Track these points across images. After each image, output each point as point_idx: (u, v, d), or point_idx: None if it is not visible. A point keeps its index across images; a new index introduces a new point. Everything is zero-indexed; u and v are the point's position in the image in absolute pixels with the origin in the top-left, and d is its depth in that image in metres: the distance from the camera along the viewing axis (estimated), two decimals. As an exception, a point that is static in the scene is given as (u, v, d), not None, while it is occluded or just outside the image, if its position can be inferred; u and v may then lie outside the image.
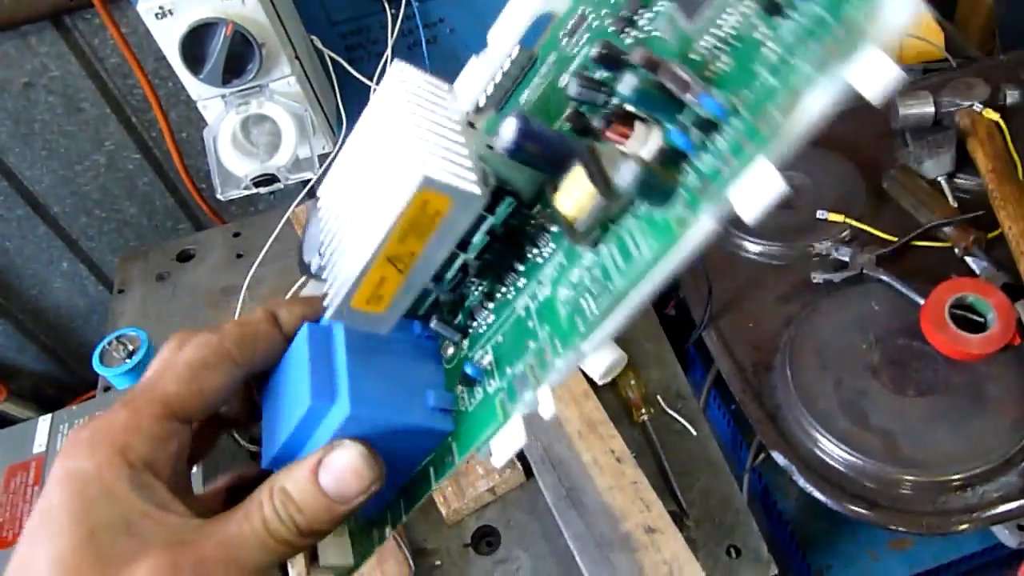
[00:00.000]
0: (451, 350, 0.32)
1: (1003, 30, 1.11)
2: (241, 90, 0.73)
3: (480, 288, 0.31)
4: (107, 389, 0.86)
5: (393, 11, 0.81)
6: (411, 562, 0.69)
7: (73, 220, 1.28)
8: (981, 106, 0.85)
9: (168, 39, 0.68)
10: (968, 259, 0.76)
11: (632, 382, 0.78)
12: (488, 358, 0.30)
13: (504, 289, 0.30)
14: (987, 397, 0.68)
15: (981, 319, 0.71)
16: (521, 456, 0.74)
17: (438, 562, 0.71)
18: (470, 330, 0.31)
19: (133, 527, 0.25)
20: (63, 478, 0.26)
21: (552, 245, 0.29)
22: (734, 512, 0.70)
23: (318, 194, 0.32)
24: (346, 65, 0.81)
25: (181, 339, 0.31)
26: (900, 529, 0.65)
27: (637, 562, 0.65)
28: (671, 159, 0.23)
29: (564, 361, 0.26)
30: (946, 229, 0.79)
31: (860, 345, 0.73)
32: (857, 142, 0.92)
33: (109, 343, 0.79)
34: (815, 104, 0.20)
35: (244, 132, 0.76)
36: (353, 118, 0.82)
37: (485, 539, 0.72)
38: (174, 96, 1.16)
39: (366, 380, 0.29)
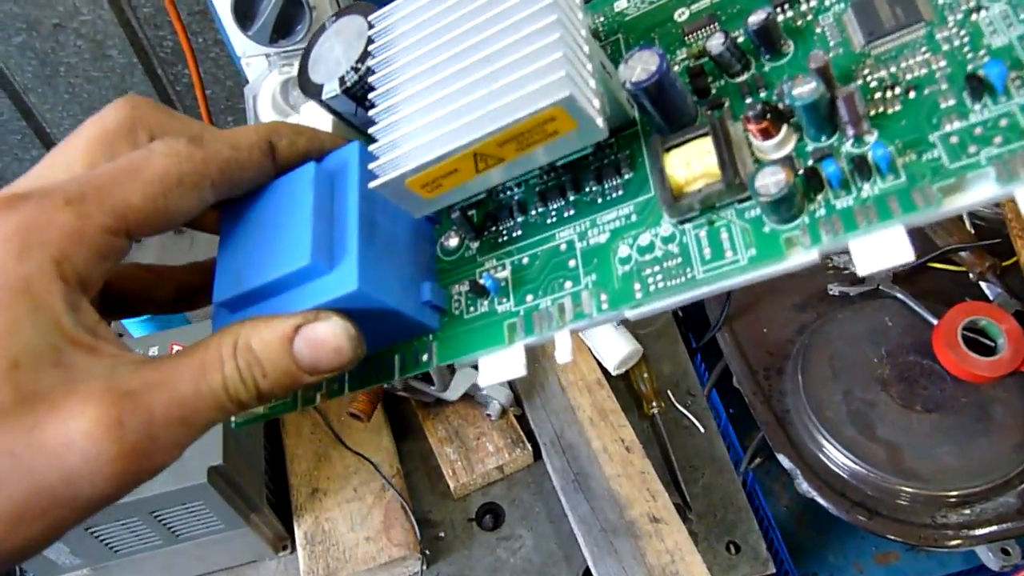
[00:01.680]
0: (454, 241, 0.30)
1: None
2: (286, 51, 0.74)
3: (515, 196, 0.30)
4: (120, 335, 0.86)
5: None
6: (417, 531, 0.70)
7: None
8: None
9: (221, -7, 0.68)
10: (982, 284, 0.78)
11: (644, 375, 0.80)
12: (504, 273, 0.28)
13: (543, 210, 0.29)
14: (992, 419, 0.70)
15: (992, 343, 0.72)
16: (531, 438, 0.75)
17: (442, 534, 0.72)
18: (486, 232, 0.30)
19: (64, 357, 0.22)
20: None
21: (621, 191, 0.27)
22: (736, 509, 0.72)
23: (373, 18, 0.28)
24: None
25: (152, 127, 0.26)
26: (897, 539, 0.66)
27: (640, 549, 0.66)
28: (811, 183, 0.23)
29: (603, 316, 0.26)
30: (962, 254, 0.80)
31: (871, 358, 0.74)
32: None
33: (129, 290, 0.79)
34: (976, 198, 0.21)
35: (284, 92, 0.77)
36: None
37: (489, 515, 0.74)
38: (203, 52, 1.16)
39: (372, 254, 0.26)
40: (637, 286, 0.25)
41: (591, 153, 0.28)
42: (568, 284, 0.27)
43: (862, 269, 0.22)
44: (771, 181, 0.22)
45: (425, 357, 0.28)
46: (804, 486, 0.70)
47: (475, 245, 0.30)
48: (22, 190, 0.23)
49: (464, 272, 0.29)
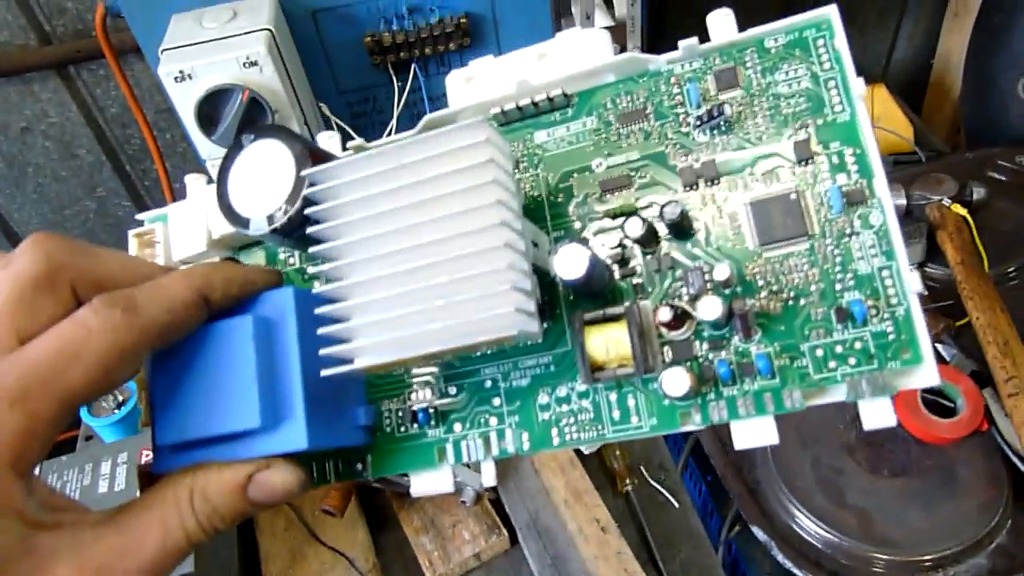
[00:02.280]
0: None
1: (968, 127, 1.18)
2: (250, 152, 0.75)
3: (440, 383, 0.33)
4: (89, 438, 0.85)
5: (400, 83, 0.84)
6: (395, 627, 0.69)
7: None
8: (950, 201, 0.90)
9: (185, 102, 0.70)
10: (938, 346, 0.80)
11: (617, 452, 0.80)
12: (429, 395, 0.31)
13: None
14: (957, 480, 0.71)
15: (951, 404, 0.74)
16: (507, 522, 0.75)
17: (421, 627, 0.71)
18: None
19: (31, 545, 0.23)
20: None
21: (540, 339, 0.29)
22: (714, 585, 0.72)
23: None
24: (351, 132, 0.84)
25: (73, 277, 0.25)
26: (875, 608, 0.67)
27: (620, 633, 0.65)
28: (707, 377, 0.28)
29: (525, 455, 0.30)
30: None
31: (837, 424, 0.76)
32: (834, 227, 0.96)
33: (98, 393, 0.79)
34: (831, 400, 0.28)
35: (249, 192, 0.78)
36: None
37: (468, 605, 0.73)
38: (170, 147, 1.18)
39: (315, 407, 0.28)
40: (554, 432, 0.30)
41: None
42: (493, 421, 0.30)
43: (737, 443, 0.28)
44: (676, 384, 0.27)
45: (360, 467, 0.31)
46: (780, 557, 0.71)
47: (401, 370, 0.32)
48: None
49: (393, 390, 0.32)
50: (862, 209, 0.28)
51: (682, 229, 0.29)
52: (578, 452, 0.80)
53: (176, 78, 0.70)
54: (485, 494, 0.77)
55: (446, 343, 0.26)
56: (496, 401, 0.31)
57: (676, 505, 0.78)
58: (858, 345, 0.27)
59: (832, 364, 0.27)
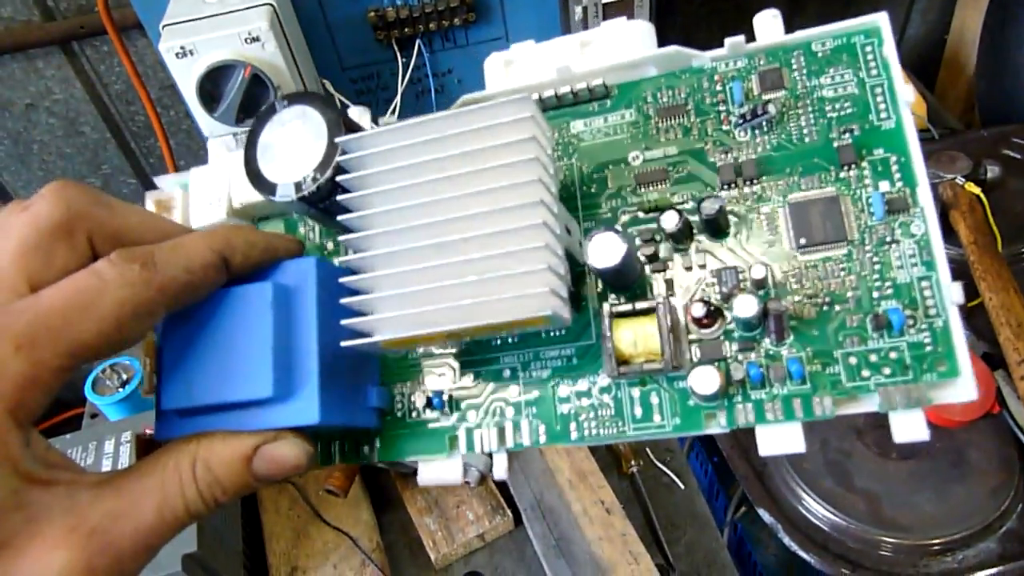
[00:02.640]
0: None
1: (982, 105, 1.16)
2: (253, 129, 0.75)
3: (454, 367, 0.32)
4: (94, 416, 0.85)
5: (404, 59, 0.83)
6: (399, 606, 0.69)
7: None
8: (963, 179, 0.88)
9: (186, 78, 0.69)
10: (950, 327, 0.79)
11: (622, 433, 0.80)
12: (447, 382, 0.31)
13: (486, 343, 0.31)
14: (968, 463, 0.70)
15: (962, 387, 0.73)
16: (511, 503, 0.75)
17: (425, 607, 0.71)
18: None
19: (24, 500, 0.22)
20: None
21: (564, 330, 0.30)
22: (719, 567, 0.71)
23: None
24: (355, 109, 0.83)
25: (92, 228, 0.25)
26: (881, 591, 0.66)
27: (624, 615, 0.65)
28: (734, 378, 0.27)
29: (541, 446, 0.28)
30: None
31: (846, 407, 0.75)
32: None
33: (103, 371, 0.79)
34: (862, 409, 0.27)
35: (252, 170, 0.77)
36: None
37: (473, 585, 0.73)
38: (174, 125, 1.17)
39: (329, 382, 0.27)
40: (573, 427, 0.28)
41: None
42: (510, 411, 0.29)
43: (763, 451, 0.27)
44: (706, 382, 0.26)
45: (367, 450, 0.30)
46: (786, 539, 0.70)
47: (419, 351, 0.31)
48: None
49: (408, 374, 0.31)
50: (903, 217, 0.27)
51: (717, 226, 0.29)
52: (583, 433, 0.80)
53: (177, 54, 0.69)
54: (489, 475, 0.76)
55: (474, 321, 0.25)
56: (514, 391, 0.29)
57: (682, 487, 0.77)
58: (893, 355, 0.26)
59: (865, 373, 0.26)
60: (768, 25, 0.30)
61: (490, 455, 0.29)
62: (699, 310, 0.27)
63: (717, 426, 0.27)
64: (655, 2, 0.81)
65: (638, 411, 0.28)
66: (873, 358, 0.26)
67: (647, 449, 0.80)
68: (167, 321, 0.27)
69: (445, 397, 0.30)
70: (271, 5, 0.70)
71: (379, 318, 0.26)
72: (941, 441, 0.71)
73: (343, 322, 0.26)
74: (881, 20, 0.29)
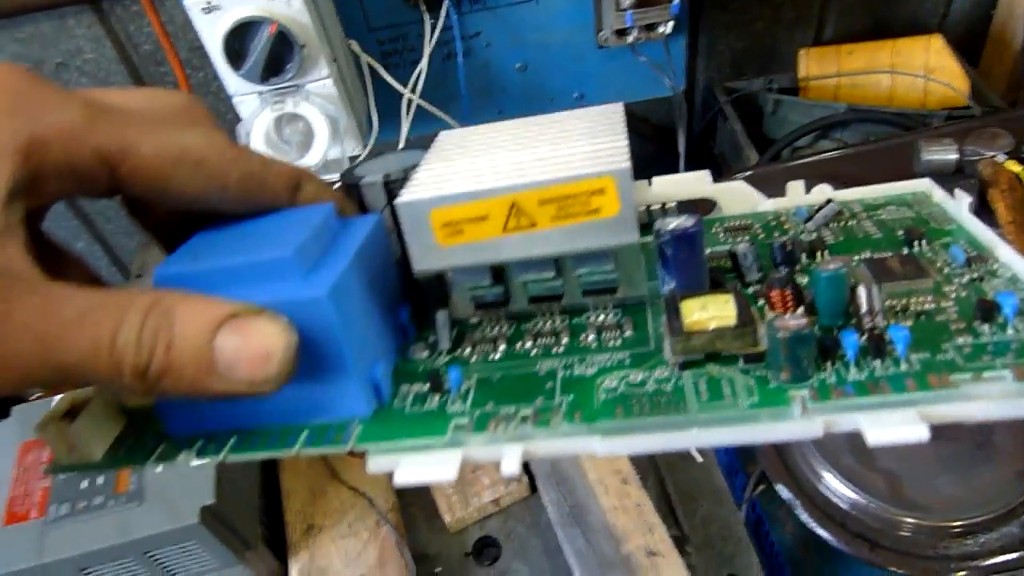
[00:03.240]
0: (423, 353, 0.27)
1: (1028, 82, 1.12)
2: (278, 88, 0.74)
3: (501, 328, 0.28)
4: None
5: (432, 20, 0.82)
6: (412, 567, 0.69)
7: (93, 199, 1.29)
8: (1004, 157, 0.86)
9: (212, 34, 0.69)
10: (982, 308, 0.77)
11: (641, 404, 0.79)
12: (468, 385, 0.26)
13: (530, 345, 0.27)
14: (993, 445, 0.68)
15: (992, 368, 0.71)
16: (527, 469, 0.75)
17: (438, 569, 0.72)
18: (459, 350, 0.27)
19: None
20: None
21: (619, 343, 0.26)
22: (735, 541, 0.71)
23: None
24: (381, 71, 0.82)
25: (188, 105, 0.25)
26: (899, 572, 0.65)
27: (637, 584, 0.65)
28: (824, 350, 0.23)
29: (569, 436, 0.22)
30: (962, 276, 0.79)
31: (870, 385, 0.73)
32: (877, 184, 0.93)
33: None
34: (981, 393, 0.21)
35: (277, 130, 0.77)
36: (384, 123, 0.83)
37: (486, 549, 0.73)
38: (203, 87, 1.17)
39: (351, 286, 0.24)
40: (619, 409, 0.23)
41: (593, 312, 0.27)
42: (539, 400, 0.24)
43: (869, 440, 0.21)
44: (792, 323, 0.22)
45: (339, 437, 0.24)
46: (804, 516, 0.69)
47: (442, 360, 0.27)
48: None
49: (420, 378, 0.27)
50: (986, 267, 0.25)
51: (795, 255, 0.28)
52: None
53: (204, 9, 0.69)
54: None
55: (545, 175, 0.23)
56: (548, 385, 0.25)
57: (699, 459, 0.76)
58: (1014, 343, 0.22)
59: (986, 358, 0.22)
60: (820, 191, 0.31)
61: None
62: (781, 276, 0.24)
63: (806, 411, 0.22)
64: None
65: (705, 394, 0.23)
66: (990, 348, 0.22)
67: (666, 421, 0.80)
68: (205, 226, 0.26)
69: (463, 386, 0.25)
70: (298, -39, 0.69)
71: (439, 183, 0.25)
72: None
73: (396, 201, 0.25)
74: (926, 185, 0.31)
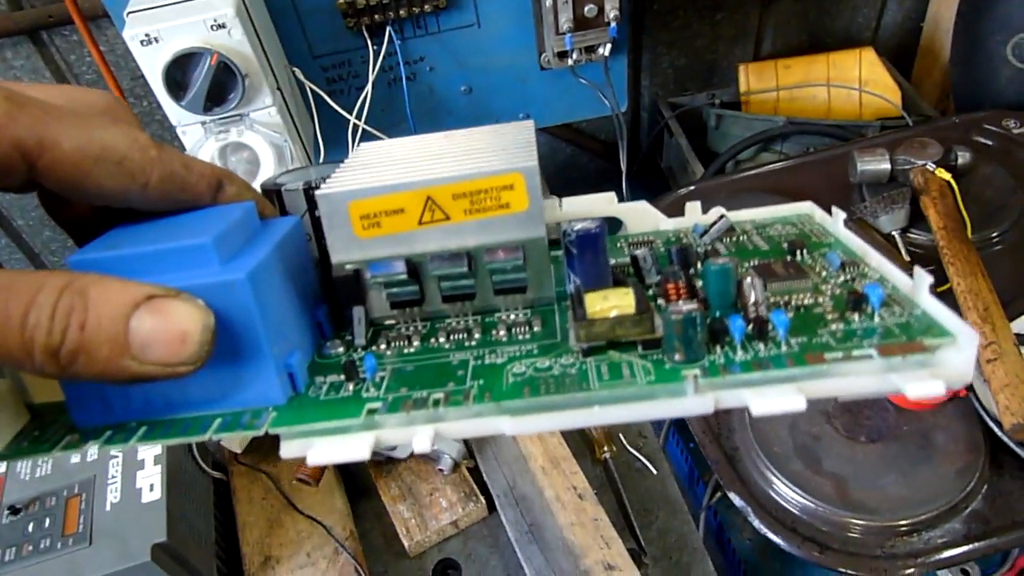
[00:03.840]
0: (339, 349, 0.28)
1: (956, 92, 1.17)
2: (222, 118, 0.74)
3: (415, 327, 0.29)
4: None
5: (375, 47, 0.83)
6: (371, 594, 0.69)
7: (37, 234, 1.26)
8: (934, 165, 0.89)
9: (152, 66, 0.69)
10: (919, 312, 0.80)
11: (596, 419, 0.80)
12: (382, 375, 0.26)
13: (443, 341, 0.28)
14: (934, 446, 0.71)
15: (930, 370, 0.74)
16: (484, 490, 0.75)
17: (399, 594, 0.72)
18: (374, 348, 0.28)
19: None
20: None
21: (528, 336, 0.27)
22: (691, 551, 0.72)
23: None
24: (326, 97, 0.82)
25: (111, 104, 0.25)
26: (849, 572, 0.67)
27: (596, 599, 0.66)
28: (714, 335, 0.25)
29: (479, 416, 0.23)
30: (899, 282, 0.82)
31: (816, 391, 0.75)
32: (817, 194, 0.95)
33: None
34: (851, 371, 0.23)
35: (222, 158, 0.77)
36: (330, 148, 0.83)
37: (447, 571, 0.73)
38: (148, 115, 1.16)
39: (270, 276, 0.24)
40: (527, 390, 0.24)
41: (504, 314, 0.29)
42: (450, 384, 0.25)
43: (754, 410, 0.22)
44: (684, 307, 0.24)
45: (251, 421, 0.24)
46: (757, 523, 0.71)
47: (357, 355, 0.27)
48: None
49: (334, 370, 0.27)
50: (859, 270, 0.28)
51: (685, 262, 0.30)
52: (557, 420, 0.80)
53: (142, 41, 0.68)
54: (463, 462, 0.77)
55: (457, 171, 0.25)
56: (460, 373, 0.26)
57: (654, 472, 0.78)
58: (879, 326, 0.24)
59: (855, 341, 0.24)
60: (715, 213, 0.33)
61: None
62: (674, 272, 0.26)
63: (696, 389, 0.23)
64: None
65: (606, 374, 0.24)
66: (859, 331, 0.24)
67: (620, 435, 0.80)
68: (122, 222, 0.26)
69: (377, 375, 0.25)
70: (237, -8, 0.69)
71: (356, 177, 0.26)
72: (908, 424, 0.72)
73: (316, 193, 0.26)
74: (808, 207, 0.33)
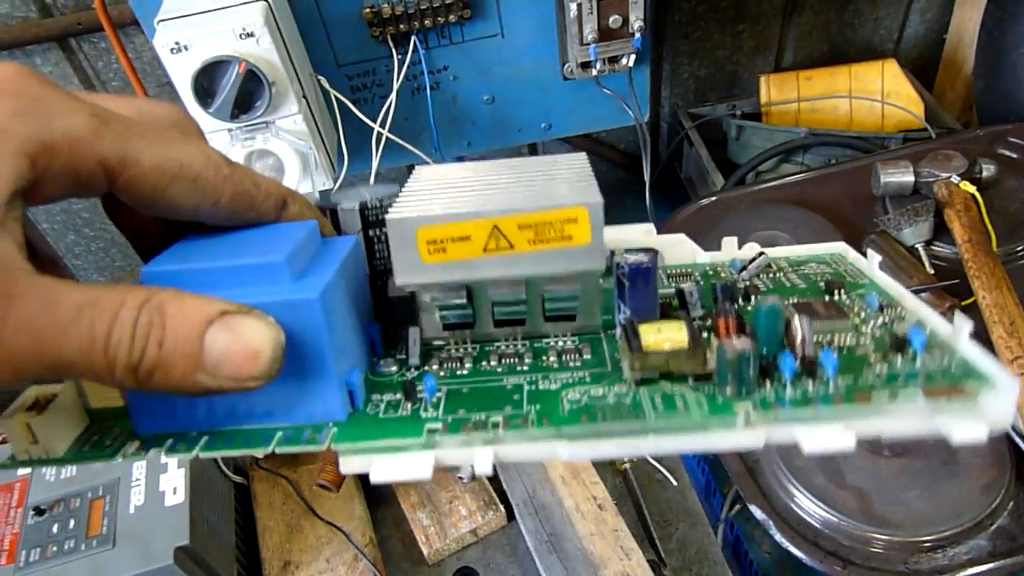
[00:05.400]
0: (393, 368, 0.28)
1: (980, 104, 1.16)
2: (248, 125, 0.75)
3: (466, 348, 0.29)
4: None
5: (400, 56, 0.83)
6: (390, 601, 0.69)
7: (61, 237, 1.28)
8: (958, 178, 0.88)
9: (181, 74, 0.70)
10: (943, 325, 0.79)
11: (616, 429, 0.80)
12: (438, 396, 0.26)
13: (495, 364, 0.28)
14: (959, 460, 0.70)
15: (955, 384, 0.73)
16: (503, 499, 0.75)
17: (417, 602, 0.72)
18: (428, 367, 0.28)
19: None
20: None
21: (579, 363, 0.28)
22: (711, 563, 0.72)
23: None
24: (350, 106, 0.83)
25: (181, 118, 0.26)
26: (872, 587, 0.66)
27: (615, 610, 0.65)
28: (763, 371, 0.25)
29: (537, 441, 0.24)
30: (922, 295, 0.81)
31: (838, 404, 0.75)
32: (839, 206, 0.95)
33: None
34: (897, 410, 0.24)
35: (247, 165, 0.78)
36: (354, 156, 0.83)
37: (465, 580, 0.73)
38: (173, 122, 1.17)
39: (338, 294, 0.25)
40: (584, 417, 0.24)
41: (553, 340, 0.29)
42: (508, 408, 0.25)
43: (805, 448, 0.23)
44: (738, 344, 0.24)
45: (318, 436, 0.25)
46: (778, 536, 0.70)
47: (412, 375, 0.28)
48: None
49: (392, 388, 0.28)
50: (896, 312, 0.28)
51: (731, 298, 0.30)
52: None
53: (172, 50, 0.69)
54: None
55: (523, 204, 0.26)
56: (516, 397, 0.26)
57: (674, 483, 0.77)
58: (921, 368, 0.25)
59: (899, 383, 0.24)
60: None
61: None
62: (727, 309, 0.27)
63: (748, 424, 0.23)
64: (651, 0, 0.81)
65: (660, 404, 0.25)
66: (902, 374, 0.25)
67: (640, 446, 0.80)
68: (191, 231, 0.27)
69: (436, 395, 0.26)
70: (266, 1, 0.70)
71: (425, 204, 0.27)
72: (933, 439, 0.71)
73: (387, 217, 0.26)
74: (842, 248, 0.33)
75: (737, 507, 0.95)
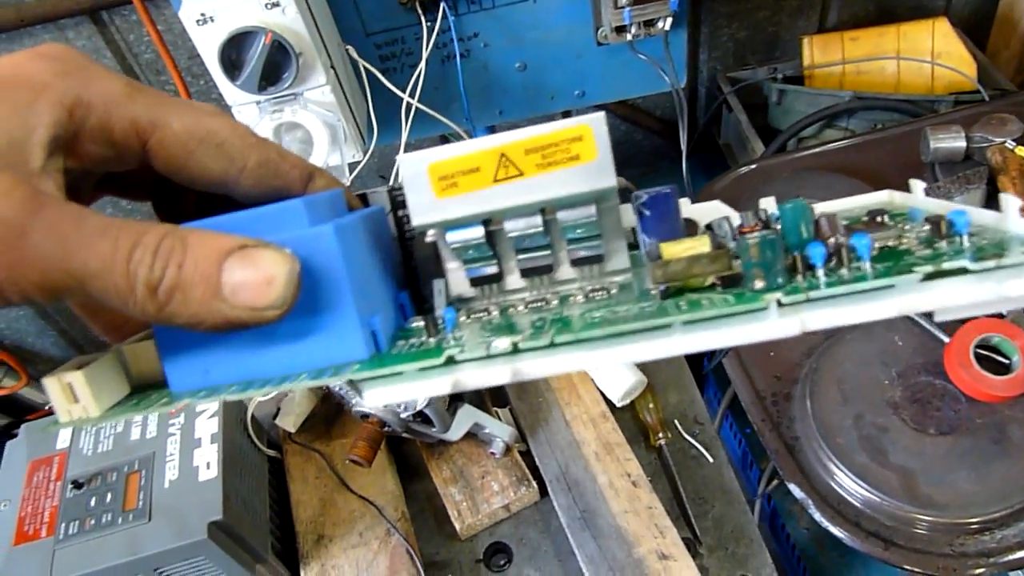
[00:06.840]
0: (420, 322, 0.28)
1: (1038, 64, 1.10)
2: (276, 97, 0.74)
3: (496, 300, 0.29)
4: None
5: (429, 23, 0.81)
6: (423, 574, 0.69)
7: (99, 207, 1.29)
8: (1013, 143, 0.84)
9: (207, 45, 0.69)
10: (995, 298, 0.76)
11: (650, 405, 0.78)
12: (461, 334, 0.26)
13: (523, 309, 0.28)
14: (1009, 440, 0.67)
15: (1006, 360, 0.70)
16: (536, 474, 0.75)
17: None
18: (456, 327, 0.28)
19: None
20: None
21: (605, 298, 0.27)
22: (747, 542, 0.70)
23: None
24: (379, 75, 0.81)
25: (217, 108, 0.27)
26: (916, 570, 0.64)
27: (649, 588, 0.65)
28: (793, 266, 0.24)
29: (557, 349, 0.23)
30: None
31: (882, 380, 0.72)
32: (885, 174, 0.91)
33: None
34: (941, 282, 0.22)
35: (276, 138, 0.77)
36: (384, 127, 0.82)
37: (497, 555, 0.73)
38: (204, 94, 1.17)
39: (356, 240, 0.26)
40: (606, 325, 0.24)
41: (581, 283, 0.29)
42: (528, 330, 0.25)
43: (849, 321, 0.22)
44: (759, 232, 0.23)
45: (341, 371, 0.25)
46: (817, 515, 0.68)
47: (445, 334, 0.27)
48: None
49: (416, 334, 0.28)
50: (943, 219, 0.26)
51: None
52: (610, 405, 0.79)
53: (198, 21, 0.68)
54: (515, 446, 0.76)
55: (528, 133, 0.26)
56: (537, 323, 0.26)
57: (711, 460, 0.76)
58: (968, 245, 0.23)
59: (946, 258, 0.23)
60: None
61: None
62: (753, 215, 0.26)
63: (780, 309, 0.22)
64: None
65: (684, 306, 0.24)
66: (948, 254, 0.23)
67: (675, 421, 0.79)
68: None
69: (461, 330, 0.26)
70: (290, -31, 0.68)
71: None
72: (982, 417, 0.69)
73: (397, 158, 0.27)
74: (887, 195, 0.32)
75: (775, 482, 0.94)
